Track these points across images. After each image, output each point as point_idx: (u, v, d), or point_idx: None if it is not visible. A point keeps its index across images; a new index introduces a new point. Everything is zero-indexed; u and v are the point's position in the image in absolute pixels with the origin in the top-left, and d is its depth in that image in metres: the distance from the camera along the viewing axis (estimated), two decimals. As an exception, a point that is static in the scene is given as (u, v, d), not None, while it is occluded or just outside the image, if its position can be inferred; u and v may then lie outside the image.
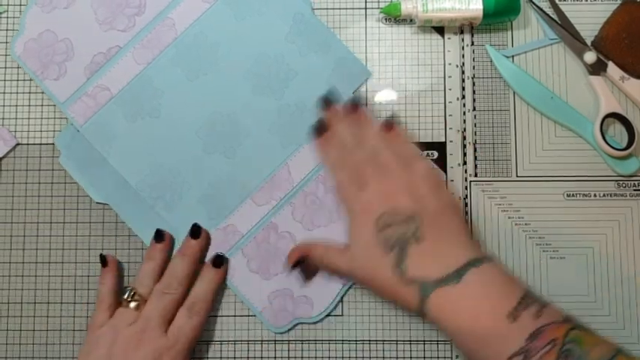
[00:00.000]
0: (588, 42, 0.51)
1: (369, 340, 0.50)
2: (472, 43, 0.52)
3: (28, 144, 0.52)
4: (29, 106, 0.52)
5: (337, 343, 0.50)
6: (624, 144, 0.50)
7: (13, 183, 0.51)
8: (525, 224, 0.50)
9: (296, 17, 0.52)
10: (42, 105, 0.52)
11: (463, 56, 0.52)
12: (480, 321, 0.40)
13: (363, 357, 0.49)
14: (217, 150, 0.51)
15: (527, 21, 0.52)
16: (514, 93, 0.52)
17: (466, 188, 0.51)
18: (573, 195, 0.51)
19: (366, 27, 0.53)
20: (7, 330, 0.50)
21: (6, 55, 0.53)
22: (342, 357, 0.49)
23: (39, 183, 0.51)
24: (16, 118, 0.52)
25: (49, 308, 0.50)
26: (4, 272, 0.51)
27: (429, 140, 0.51)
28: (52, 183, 0.51)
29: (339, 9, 0.53)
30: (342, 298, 0.50)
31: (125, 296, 0.47)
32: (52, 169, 0.51)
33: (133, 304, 0.47)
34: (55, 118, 0.52)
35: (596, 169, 0.51)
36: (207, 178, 0.51)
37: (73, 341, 0.50)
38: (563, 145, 0.51)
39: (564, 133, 0.51)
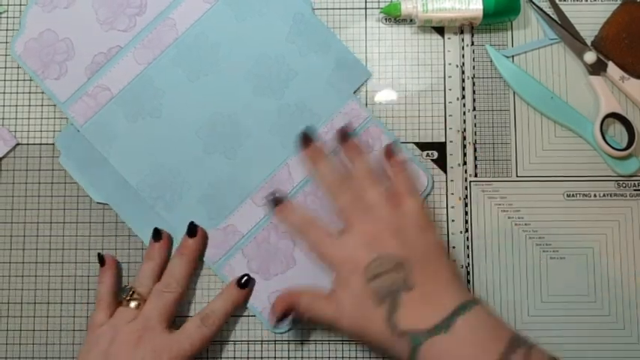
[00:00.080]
0: (588, 42, 0.51)
1: (370, 340, 0.50)
2: (472, 43, 0.52)
3: (28, 144, 0.52)
4: (29, 106, 0.52)
5: (337, 343, 0.50)
6: (624, 144, 0.50)
7: (13, 183, 0.51)
8: (525, 224, 0.50)
9: (296, 17, 0.52)
10: (42, 105, 0.52)
11: (463, 56, 0.52)
12: None
13: (363, 357, 0.49)
14: (218, 150, 0.51)
15: (527, 21, 0.53)
16: (514, 93, 0.52)
17: (466, 188, 0.51)
18: (573, 195, 0.51)
19: (366, 27, 0.53)
20: (7, 330, 0.50)
21: (6, 55, 0.53)
22: (342, 357, 0.49)
23: (39, 183, 0.51)
24: (16, 118, 0.52)
25: (49, 308, 0.50)
26: (4, 272, 0.51)
27: (429, 140, 0.52)
28: (52, 183, 0.51)
29: (339, 9, 0.53)
30: (342, 298, 0.50)
31: (125, 296, 0.47)
32: (52, 169, 0.51)
33: (133, 304, 0.47)
34: (55, 118, 0.52)
35: (596, 169, 0.51)
36: (207, 179, 0.51)
37: (73, 341, 0.50)
38: (563, 145, 0.51)
39: (564, 133, 0.51)
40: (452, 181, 0.51)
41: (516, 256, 0.50)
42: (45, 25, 0.52)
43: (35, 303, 0.50)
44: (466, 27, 0.53)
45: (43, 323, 0.50)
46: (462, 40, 0.52)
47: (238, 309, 0.49)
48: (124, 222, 0.51)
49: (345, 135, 0.49)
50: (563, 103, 0.51)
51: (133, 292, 0.47)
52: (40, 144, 0.52)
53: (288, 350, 0.50)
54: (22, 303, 0.50)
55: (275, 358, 0.50)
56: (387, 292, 0.42)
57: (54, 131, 0.52)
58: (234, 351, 0.50)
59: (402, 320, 0.41)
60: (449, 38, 0.53)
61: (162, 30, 0.52)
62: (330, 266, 0.45)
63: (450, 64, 0.52)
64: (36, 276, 0.51)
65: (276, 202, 0.48)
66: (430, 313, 0.41)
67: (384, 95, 0.52)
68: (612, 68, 0.51)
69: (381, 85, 0.52)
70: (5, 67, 0.53)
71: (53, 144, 0.52)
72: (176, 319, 0.49)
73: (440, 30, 0.53)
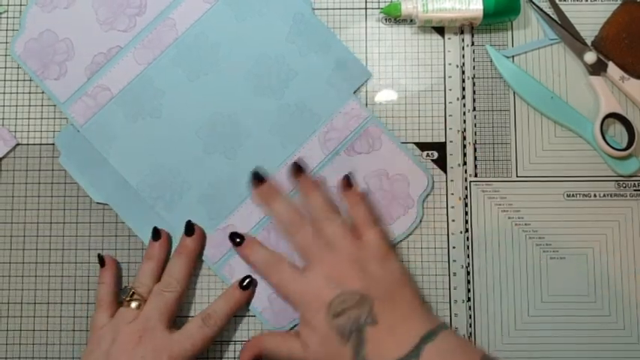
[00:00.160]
0: (588, 42, 0.51)
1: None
2: (472, 43, 0.52)
3: (28, 144, 0.52)
4: (29, 106, 0.52)
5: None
6: (624, 144, 0.50)
7: (13, 183, 0.51)
8: (525, 224, 0.50)
9: (296, 17, 0.52)
10: (42, 105, 0.52)
11: (463, 56, 0.52)
12: None
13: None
14: (218, 150, 0.51)
15: (527, 21, 0.53)
16: (514, 93, 0.52)
17: (466, 188, 0.51)
18: (573, 195, 0.51)
19: (366, 27, 0.53)
20: (7, 330, 0.50)
21: (6, 55, 0.53)
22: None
23: (39, 183, 0.51)
24: (16, 118, 0.52)
25: (49, 308, 0.50)
26: (4, 272, 0.51)
27: (429, 140, 0.52)
28: (52, 183, 0.51)
29: (339, 9, 0.53)
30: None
31: (125, 296, 0.47)
32: (52, 169, 0.51)
33: (134, 304, 0.47)
34: (55, 118, 0.52)
35: (596, 169, 0.51)
36: (207, 179, 0.51)
37: (73, 341, 0.50)
38: (563, 145, 0.51)
39: (564, 133, 0.51)
40: (452, 181, 0.51)
41: (516, 256, 0.50)
42: (45, 25, 0.52)
43: (35, 303, 0.50)
44: (466, 27, 0.53)
45: (43, 323, 0.50)
46: (462, 40, 0.52)
47: (240, 310, 0.49)
48: (124, 222, 0.51)
49: (298, 169, 0.49)
50: (563, 103, 0.51)
51: (134, 293, 0.47)
52: (40, 144, 0.52)
53: (288, 350, 0.50)
54: (22, 303, 0.50)
55: (275, 358, 0.50)
56: (352, 328, 0.42)
57: (54, 131, 0.52)
58: (235, 351, 0.50)
59: (370, 356, 0.41)
60: (449, 38, 0.53)
61: (162, 30, 0.52)
62: (294, 305, 0.46)
63: (450, 64, 0.52)
64: (36, 276, 0.51)
65: (238, 240, 0.48)
66: (398, 345, 0.41)
67: (384, 95, 0.52)
68: (612, 68, 0.51)
69: (381, 85, 0.52)
70: (5, 67, 0.53)
71: (53, 144, 0.52)
72: (176, 319, 0.49)
73: (440, 30, 0.53)
